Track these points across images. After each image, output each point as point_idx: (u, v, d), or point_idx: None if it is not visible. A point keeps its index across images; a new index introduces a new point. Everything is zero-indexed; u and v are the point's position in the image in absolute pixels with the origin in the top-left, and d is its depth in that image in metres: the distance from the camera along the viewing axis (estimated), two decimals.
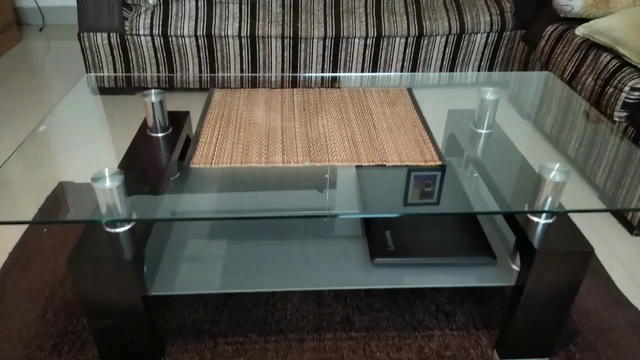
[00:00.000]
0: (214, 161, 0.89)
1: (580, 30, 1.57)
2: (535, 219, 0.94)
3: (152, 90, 1.14)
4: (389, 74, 1.14)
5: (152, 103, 1.12)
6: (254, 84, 2.10)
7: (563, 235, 0.91)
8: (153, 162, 1.01)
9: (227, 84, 2.10)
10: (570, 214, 0.95)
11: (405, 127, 1.01)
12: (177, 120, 1.21)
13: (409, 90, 1.20)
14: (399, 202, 0.84)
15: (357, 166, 0.89)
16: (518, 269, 0.99)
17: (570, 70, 1.61)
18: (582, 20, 1.69)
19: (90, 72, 2.04)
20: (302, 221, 0.96)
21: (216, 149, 0.93)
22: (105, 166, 1.18)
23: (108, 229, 0.90)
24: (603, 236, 1.39)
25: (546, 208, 0.90)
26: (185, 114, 1.25)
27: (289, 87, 2.12)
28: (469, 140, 1.19)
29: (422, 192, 0.85)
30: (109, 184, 0.84)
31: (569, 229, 0.93)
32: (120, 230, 0.90)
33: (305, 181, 0.86)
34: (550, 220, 0.94)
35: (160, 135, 1.15)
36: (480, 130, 1.20)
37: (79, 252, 0.86)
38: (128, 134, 1.18)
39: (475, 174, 1.13)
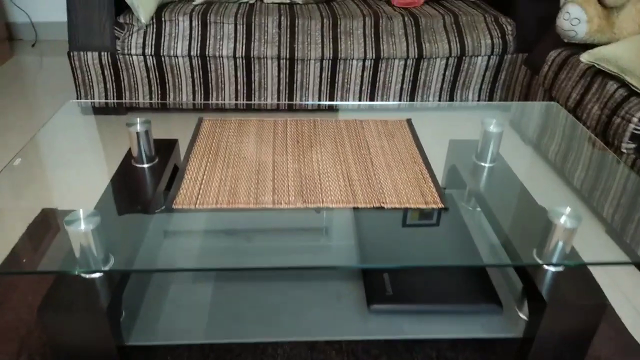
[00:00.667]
0: (198, 202, 0.82)
1: (585, 57, 1.52)
2: (545, 266, 0.88)
3: (137, 119, 1.08)
4: (388, 102, 1.09)
5: (137, 133, 1.06)
6: (248, 106, 2.04)
7: (576, 284, 0.85)
8: (135, 199, 0.94)
9: (221, 105, 2.04)
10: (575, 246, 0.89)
11: (404, 163, 0.95)
12: (164, 148, 1.15)
13: (408, 121, 1.14)
14: (399, 251, 0.78)
15: (353, 208, 0.82)
16: (526, 318, 0.92)
17: (575, 97, 1.56)
18: (586, 46, 1.64)
19: (80, 91, 1.98)
20: (294, 248, 0.90)
21: (202, 187, 0.86)
22: (85, 199, 1.10)
23: (82, 274, 0.83)
24: (610, 273, 1.32)
25: (556, 256, 0.84)
26: (173, 142, 1.18)
27: (283, 111, 2.07)
28: (471, 173, 1.13)
29: (424, 239, 0.79)
30: (84, 227, 0.77)
31: (582, 276, 0.86)
32: (95, 275, 0.83)
33: (296, 225, 0.80)
34: (560, 268, 0.88)
35: (145, 166, 1.08)
36: (483, 164, 1.15)
37: (50, 300, 0.79)
38: (115, 160, 1.12)
39: (478, 209, 1.07)
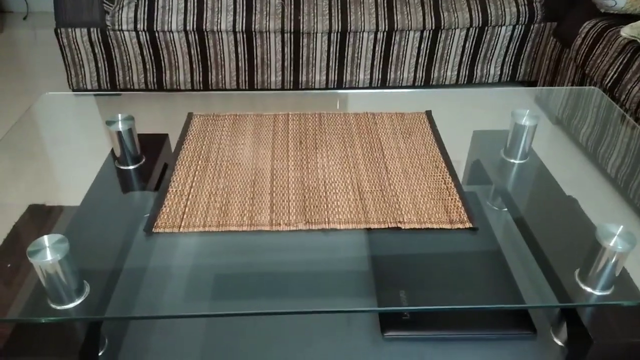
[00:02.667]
0: (183, 224, 0.70)
1: (626, 32, 1.34)
2: (589, 290, 0.75)
3: (119, 115, 0.95)
4: (404, 90, 0.95)
5: (119, 132, 0.93)
6: (251, 85, 1.89)
7: (625, 313, 0.72)
8: (116, 213, 0.83)
9: (222, 85, 1.90)
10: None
11: (424, 170, 0.82)
12: (152, 145, 1.02)
13: (428, 114, 0.99)
14: (422, 286, 0.66)
15: (366, 229, 0.70)
16: (563, 344, 0.80)
17: (612, 75, 1.40)
18: (624, 17, 1.46)
19: (70, 71, 1.84)
20: (297, 280, 0.78)
21: (188, 204, 0.74)
22: (70, 196, 0.98)
23: (54, 306, 0.72)
24: None
25: (602, 282, 0.71)
26: (163, 138, 1.06)
27: (288, 91, 1.92)
28: (498, 171, 1.00)
29: (450, 269, 0.67)
30: (51, 258, 0.66)
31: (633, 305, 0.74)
32: (70, 306, 0.72)
33: (299, 252, 0.68)
34: (607, 292, 0.75)
35: (131, 168, 0.96)
36: (512, 160, 1.01)
37: (15, 342, 0.69)
38: (105, 150, 1.00)
39: (505, 210, 0.94)
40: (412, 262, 0.69)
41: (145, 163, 0.97)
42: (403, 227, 0.70)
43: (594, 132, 1.39)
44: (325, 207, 0.72)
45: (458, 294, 0.66)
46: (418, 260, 0.69)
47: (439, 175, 0.81)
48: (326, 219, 0.71)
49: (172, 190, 0.77)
